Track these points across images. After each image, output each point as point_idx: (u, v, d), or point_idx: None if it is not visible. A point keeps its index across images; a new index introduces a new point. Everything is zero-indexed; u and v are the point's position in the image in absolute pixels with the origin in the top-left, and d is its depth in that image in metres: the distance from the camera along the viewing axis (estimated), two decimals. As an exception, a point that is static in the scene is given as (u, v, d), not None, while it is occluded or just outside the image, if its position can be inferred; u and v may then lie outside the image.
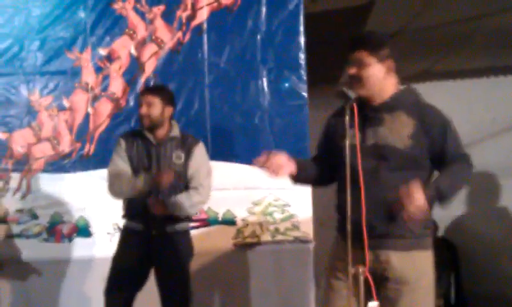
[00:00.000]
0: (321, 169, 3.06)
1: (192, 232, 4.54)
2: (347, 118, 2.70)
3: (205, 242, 4.59)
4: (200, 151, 3.84)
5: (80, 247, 4.51)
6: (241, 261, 4.59)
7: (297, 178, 2.99)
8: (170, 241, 3.76)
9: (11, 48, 4.53)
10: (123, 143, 3.80)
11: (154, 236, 3.73)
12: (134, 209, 3.77)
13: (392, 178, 2.69)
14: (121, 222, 3.97)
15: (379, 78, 2.77)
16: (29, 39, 4.54)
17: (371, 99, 2.80)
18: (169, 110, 3.80)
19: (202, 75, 4.62)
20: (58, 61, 4.56)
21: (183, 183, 3.79)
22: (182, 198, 3.74)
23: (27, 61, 4.54)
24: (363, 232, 2.67)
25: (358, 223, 2.67)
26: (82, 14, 4.58)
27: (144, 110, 3.72)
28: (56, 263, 4.49)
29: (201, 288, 4.52)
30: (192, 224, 4.56)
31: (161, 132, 3.77)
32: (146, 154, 3.74)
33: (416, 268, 2.76)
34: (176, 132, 3.82)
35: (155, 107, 3.72)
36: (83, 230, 4.52)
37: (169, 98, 3.83)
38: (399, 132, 2.73)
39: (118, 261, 3.81)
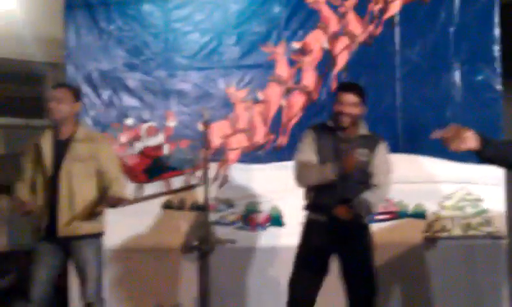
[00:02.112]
0: None
1: (382, 224, 4.62)
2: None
3: (395, 235, 4.62)
4: (383, 149, 3.81)
5: (273, 236, 4.66)
6: (431, 255, 4.58)
7: (484, 155, 2.83)
8: (355, 233, 3.78)
9: (210, 43, 4.72)
10: (312, 135, 3.83)
11: (339, 228, 3.75)
12: (319, 201, 3.81)
13: None
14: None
15: None
16: (226, 34, 4.71)
17: None
18: (364, 110, 3.80)
19: (394, 68, 4.63)
20: (253, 55, 4.70)
21: (366, 178, 3.78)
22: (367, 197, 3.74)
23: (225, 55, 4.72)
24: None
25: None
26: (276, 9, 4.69)
27: (346, 108, 3.69)
28: (250, 251, 4.66)
29: (390, 280, 4.57)
30: (381, 217, 4.63)
31: (352, 130, 3.77)
32: (333, 149, 3.75)
33: None
34: (364, 130, 3.81)
35: (356, 106, 3.71)
36: (276, 220, 4.66)
37: (365, 97, 3.82)
38: None
39: (302, 252, 3.86)
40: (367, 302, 3.79)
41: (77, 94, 3.90)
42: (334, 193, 3.70)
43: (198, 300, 4.28)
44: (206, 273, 3.96)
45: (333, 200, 3.70)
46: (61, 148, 3.77)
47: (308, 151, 3.79)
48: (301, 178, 3.81)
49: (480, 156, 2.88)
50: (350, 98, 3.70)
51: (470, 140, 2.80)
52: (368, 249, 3.84)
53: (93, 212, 3.74)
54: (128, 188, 4.62)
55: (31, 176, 3.82)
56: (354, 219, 3.71)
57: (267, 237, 4.67)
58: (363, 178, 3.75)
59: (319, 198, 3.79)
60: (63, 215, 3.69)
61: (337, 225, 3.71)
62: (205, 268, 3.96)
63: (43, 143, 3.79)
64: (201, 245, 4.04)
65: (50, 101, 3.78)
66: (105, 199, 3.71)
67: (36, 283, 3.75)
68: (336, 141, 3.76)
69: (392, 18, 4.63)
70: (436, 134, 2.84)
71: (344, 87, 3.84)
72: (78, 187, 3.71)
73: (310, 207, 3.87)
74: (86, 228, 3.76)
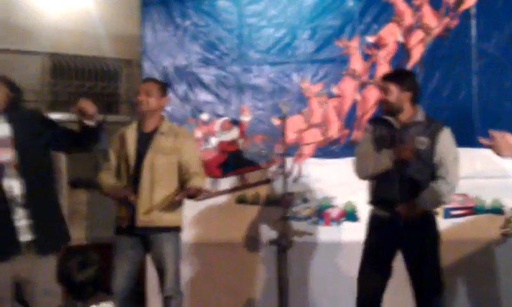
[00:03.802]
0: None
1: (459, 220, 4.55)
2: None
3: (472, 231, 4.55)
4: (445, 137, 3.71)
5: (348, 231, 4.63)
6: (509, 251, 4.49)
7: None
8: (419, 228, 3.70)
9: (285, 38, 4.74)
10: (369, 127, 3.84)
11: (402, 224, 3.67)
12: (380, 196, 3.76)
13: None
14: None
15: None
16: (300, 29, 4.72)
17: None
18: (406, 95, 3.70)
19: (470, 61, 4.57)
20: (328, 49, 4.71)
21: (428, 169, 3.70)
22: (434, 189, 3.65)
23: (299, 50, 4.73)
24: None
25: None
26: (351, 3, 4.69)
27: (381, 96, 3.76)
28: (325, 246, 4.64)
29: (467, 277, 4.51)
30: (458, 212, 4.56)
31: (403, 117, 3.71)
32: (389, 138, 3.71)
33: None
34: (420, 116, 3.73)
35: (391, 93, 3.68)
36: (351, 215, 4.64)
37: (406, 83, 3.73)
38: None
39: (369, 248, 3.84)
40: (432, 299, 3.73)
41: (164, 89, 3.95)
42: (394, 186, 3.66)
43: (274, 295, 4.26)
44: (284, 268, 3.94)
45: (394, 194, 3.66)
46: (146, 140, 3.81)
47: (365, 143, 3.80)
48: (358, 169, 3.81)
49: None
50: (384, 85, 3.73)
51: None
52: (433, 244, 3.75)
53: (172, 202, 3.76)
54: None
55: (116, 167, 3.87)
56: (420, 216, 3.66)
57: (342, 232, 4.65)
58: (423, 169, 3.68)
59: (380, 192, 3.76)
60: (143, 205, 3.72)
61: (400, 220, 3.66)
62: (283, 264, 3.94)
63: (128, 135, 3.84)
64: (280, 240, 4.01)
65: (139, 94, 3.83)
66: (185, 189, 3.70)
67: (118, 276, 3.79)
68: (392, 130, 3.73)
69: (467, 10, 4.56)
70: (484, 141, 2.89)
71: (382, 76, 3.88)
72: (159, 179, 3.74)
73: (372, 202, 3.84)
74: (165, 219, 3.78)
